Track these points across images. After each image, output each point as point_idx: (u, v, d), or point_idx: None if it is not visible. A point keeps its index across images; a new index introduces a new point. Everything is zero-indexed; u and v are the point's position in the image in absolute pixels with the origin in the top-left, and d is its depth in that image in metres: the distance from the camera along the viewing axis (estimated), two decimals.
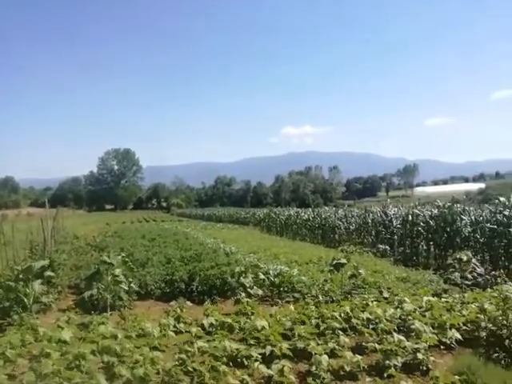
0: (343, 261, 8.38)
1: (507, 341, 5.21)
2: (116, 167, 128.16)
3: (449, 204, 13.86)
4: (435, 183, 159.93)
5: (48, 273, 8.41)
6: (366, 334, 5.81)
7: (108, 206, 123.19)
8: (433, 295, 7.91)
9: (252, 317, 6.53)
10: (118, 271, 7.93)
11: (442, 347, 5.57)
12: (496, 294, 7.30)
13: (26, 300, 7.37)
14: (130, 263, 9.08)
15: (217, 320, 6.34)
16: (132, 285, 8.47)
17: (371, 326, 6.08)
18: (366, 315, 6.33)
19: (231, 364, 4.92)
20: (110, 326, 6.24)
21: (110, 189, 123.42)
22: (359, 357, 4.88)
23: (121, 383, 4.32)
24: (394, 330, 5.78)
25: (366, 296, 7.75)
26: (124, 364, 4.70)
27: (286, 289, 8.80)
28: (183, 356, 4.81)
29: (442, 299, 7.46)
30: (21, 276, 7.66)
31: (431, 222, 13.34)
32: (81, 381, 4.15)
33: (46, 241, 15.20)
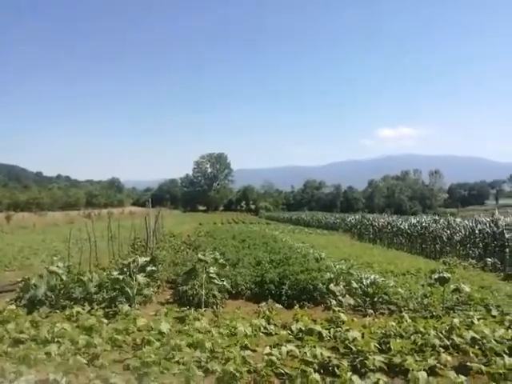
0: (446, 274, 7.73)
1: None
2: (209, 170, 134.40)
3: None
4: None
5: (150, 267, 9.02)
6: (471, 354, 5.28)
7: (201, 207, 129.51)
8: None
9: (343, 326, 6.33)
10: (212, 269, 8.24)
11: None
12: None
13: (129, 291, 7.99)
14: (224, 262, 9.39)
15: (305, 325, 6.26)
16: (224, 283, 8.75)
17: (477, 346, 5.52)
18: (471, 334, 5.75)
19: (321, 371, 4.80)
20: (205, 321, 6.50)
21: (203, 191, 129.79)
22: (463, 377, 4.44)
23: (213, 378, 4.46)
24: (505, 352, 5.16)
25: (470, 313, 7.05)
26: (216, 360, 4.84)
27: (380, 300, 8.37)
28: (273, 358, 4.81)
29: None
30: (125, 269, 8.34)
31: None
32: (178, 371, 4.37)
33: (148, 238, 16.42)
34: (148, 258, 9.36)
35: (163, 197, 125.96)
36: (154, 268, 9.23)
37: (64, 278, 8.21)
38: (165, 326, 5.97)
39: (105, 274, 9.32)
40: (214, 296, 8.22)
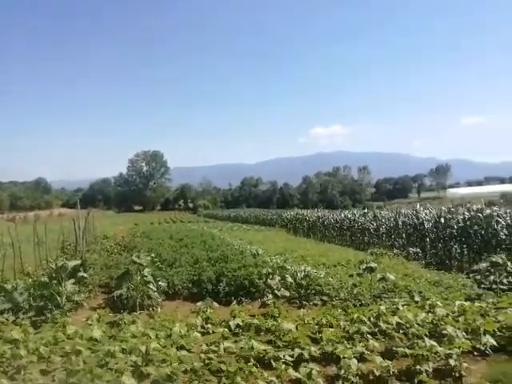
0: (373, 264, 8.22)
1: None
2: (145, 168, 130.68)
3: (484, 206, 13.40)
4: (469, 184, 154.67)
5: (81, 273, 8.63)
6: (397, 339, 5.66)
7: (136, 207, 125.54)
8: (466, 300, 7.64)
9: (279, 319, 6.50)
10: (146, 271, 8.06)
11: (475, 353, 5.36)
12: None
13: (58, 298, 7.59)
14: (159, 263, 9.21)
15: (243, 321, 6.34)
16: (160, 283, 8.60)
17: (401, 331, 5.93)
18: (396, 319, 6.17)
19: (258, 365, 4.90)
20: (140, 325, 6.35)
21: (138, 190, 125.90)
22: (389, 361, 4.76)
23: (148, 382, 4.37)
24: (426, 335, 5.59)
25: (396, 300, 7.56)
26: (152, 363, 4.76)
27: (313, 291, 8.71)
28: (210, 356, 4.82)
29: (476, 304, 7.19)
30: (54, 275, 7.90)
31: (465, 225, 12.92)
32: (110, 379, 4.23)
33: (77, 241, 15.64)
34: (78, 262, 8.93)
35: (95, 197, 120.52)
36: (84, 273, 8.84)
37: None
38: (97, 333, 5.75)
39: (31, 280, 8.78)
40: (150, 298, 8.05)
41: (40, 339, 5.65)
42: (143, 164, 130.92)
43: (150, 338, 5.62)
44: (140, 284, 7.93)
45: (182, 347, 5.36)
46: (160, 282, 8.61)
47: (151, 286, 8.04)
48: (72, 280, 8.12)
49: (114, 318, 6.98)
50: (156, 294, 8.26)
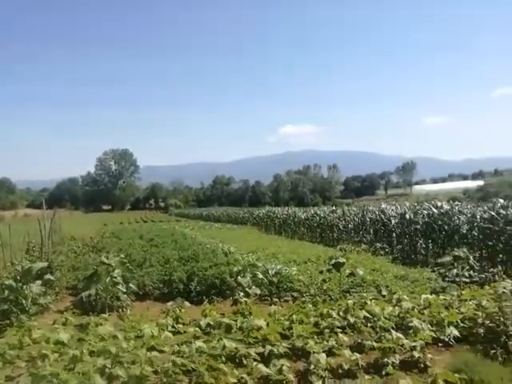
0: (342, 260, 8.38)
1: (504, 337, 5.22)
2: (114, 167, 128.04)
3: (447, 202, 13.90)
4: (434, 181, 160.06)
5: (47, 275, 8.40)
6: (365, 332, 5.80)
7: (105, 207, 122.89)
8: (431, 293, 7.93)
9: (250, 316, 6.53)
10: (115, 272, 7.92)
11: (439, 344, 5.58)
12: (493, 291, 7.31)
13: (24, 302, 7.35)
14: (128, 264, 9.06)
15: (214, 320, 6.34)
16: (130, 285, 8.47)
17: (370, 324, 6.08)
18: (364, 313, 6.32)
19: (230, 363, 4.92)
20: (108, 326, 6.23)
21: (107, 189, 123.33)
22: (358, 355, 4.88)
23: None
24: (393, 328, 5.75)
25: (364, 294, 7.75)
26: (121, 365, 4.68)
27: (284, 288, 8.81)
28: (181, 356, 4.80)
29: (440, 297, 7.46)
30: (19, 278, 7.65)
31: (429, 220, 13.35)
32: (77, 382, 4.14)
33: (43, 242, 15.16)
34: (44, 264, 8.68)
35: (62, 197, 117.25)
36: (50, 276, 8.60)
37: None
38: (64, 336, 5.59)
39: None
40: (119, 299, 7.92)
41: (5, 344, 5.46)
42: (112, 163, 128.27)
43: (119, 339, 5.52)
44: (109, 285, 7.79)
45: (152, 348, 5.30)
46: (130, 283, 8.47)
47: (120, 287, 7.90)
48: (38, 282, 7.89)
49: (81, 320, 6.82)
50: (125, 295, 8.13)
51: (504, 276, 9.20)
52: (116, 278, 7.82)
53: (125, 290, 8.10)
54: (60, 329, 6.10)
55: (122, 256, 9.50)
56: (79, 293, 8.61)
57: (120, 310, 7.78)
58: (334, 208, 22.83)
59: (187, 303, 7.99)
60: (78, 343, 5.54)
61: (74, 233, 26.50)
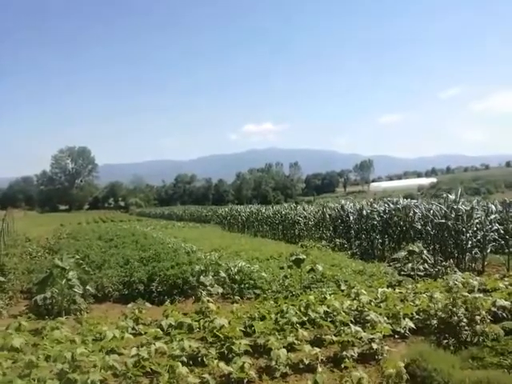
0: (302, 256, 8.54)
1: (456, 327, 5.49)
2: (70, 166, 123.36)
3: (402, 198, 14.43)
4: (390, 178, 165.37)
5: None
6: (325, 327, 5.94)
7: (62, 207, 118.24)
8: (388, 286, 8.22)
9: (212, 315, 6.52)
10: (71, 274, 7.66)
11: (396, 336, 5.81)
12: (445, 284, 7.69)
13: None
14: (86, 265, 8.79)
15: (176, 320, 6.28)
16: (88, 287, 8.22)
17: (329, 319, 6.23)
18: (324, 308, 6.48)
19: (191, 363, 4.89)
20: (65, 331, 6.03)
21: (64, 188, 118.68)
22: (317, 349, 4.99)
23: None
24: (351, 322, 5.93)
25: (324, 289, 7.93)
26: (79, 370, 4.55)
27: (246, 285, 8.85)
28: (141, 358, 4.72)
29: (396, 290, 7.76)
30: None
31: (386, 217, 13.81)
32: None
33: None
34: None
35: (16, 197, 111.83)
36: (2, 278, 8.21)
37: None
38: (17, 341, 5.36)
39: None
40: (76, 302, 7.66)
41: None
42: (68, 161, 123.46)
43: (76, 343, 5.36)
44: (64, 288, 7.53)
45: (112, 351, 5.19)
46: (87, 286, 8.22)
47: (77, 290, 7.65)
48: None
49: (37, 325, 6.56)
50: (82, 298, 7.88)
51: (455, 269, 9.69)
52: (71, 280, 7.57)
53: (81, 293, 7.86)
54: (14, 334, 5.83)
55: (78, 257, 9.20)
56: (34, 297, 8.28)
57: (78, 313, 7.52)
58: (295, 205, 23.13)
59: (148, 304, 7.89)
60: (33, 349, 5.33)
61: (28, 234, 25.39)
